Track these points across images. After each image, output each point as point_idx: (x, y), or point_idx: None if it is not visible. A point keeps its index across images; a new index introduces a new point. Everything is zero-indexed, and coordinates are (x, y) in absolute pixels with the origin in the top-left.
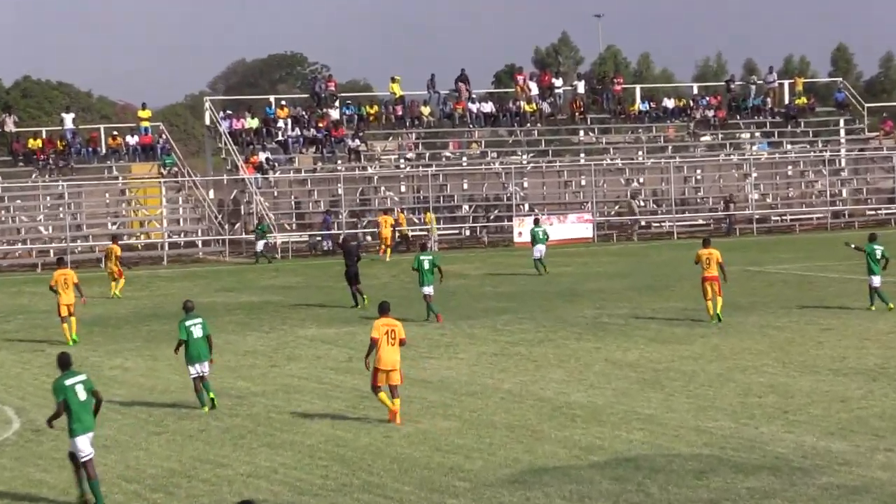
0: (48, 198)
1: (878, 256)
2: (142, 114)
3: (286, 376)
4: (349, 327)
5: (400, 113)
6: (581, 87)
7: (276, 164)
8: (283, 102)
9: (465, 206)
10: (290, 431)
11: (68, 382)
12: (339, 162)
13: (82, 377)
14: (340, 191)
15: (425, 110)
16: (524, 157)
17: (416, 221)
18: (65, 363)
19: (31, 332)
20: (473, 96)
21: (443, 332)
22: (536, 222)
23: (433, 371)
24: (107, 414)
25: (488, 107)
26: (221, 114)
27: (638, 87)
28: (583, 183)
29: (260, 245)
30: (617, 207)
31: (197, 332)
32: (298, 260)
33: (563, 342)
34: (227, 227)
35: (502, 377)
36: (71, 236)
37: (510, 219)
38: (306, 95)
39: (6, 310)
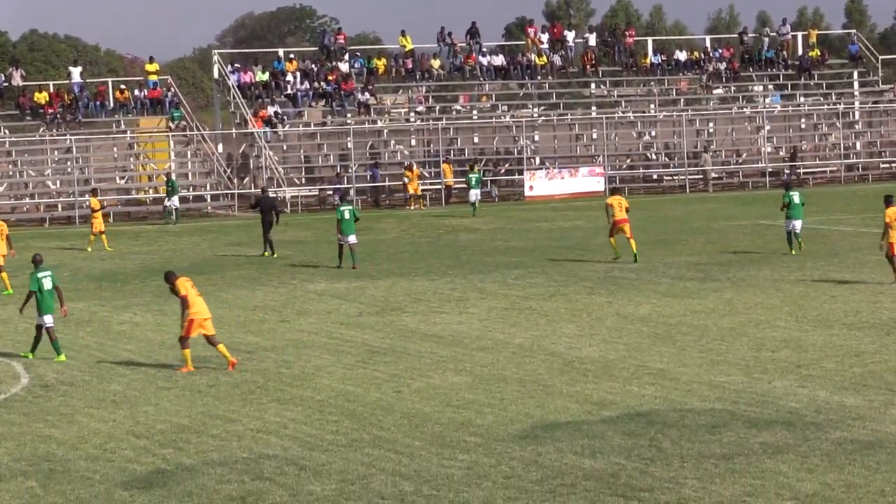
0: (56, 152)
1: (797, 202)
2: (149, 67)
3: (296, 331)
4: (359, 282)
5: (410, 66)
6: (592, 39)
7: (285, 118)
8: (292, 56)
9: (477, 159)
10: (299, 387)
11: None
12: (349, 115)
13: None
14: (350, 145)
15: (435, 63)
16: (535, 110)
17: (427, 175)
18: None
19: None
20: (484, 49)
21: (453, 287)
22: (471, 168)
23: (444, 326)
24: (116, 369)
25: (499, 60)
26: (230, 67)
27: (650, 40)
28: (594, 136)
29: (175, 201)
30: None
31: (47, 283)
32: (308, 214)
33: (574, 296)
34: (235, 181)
35: (513, 332)
36: (79, 191)
37: (521, 172)
38: (315, 49)
39: (13, 265)
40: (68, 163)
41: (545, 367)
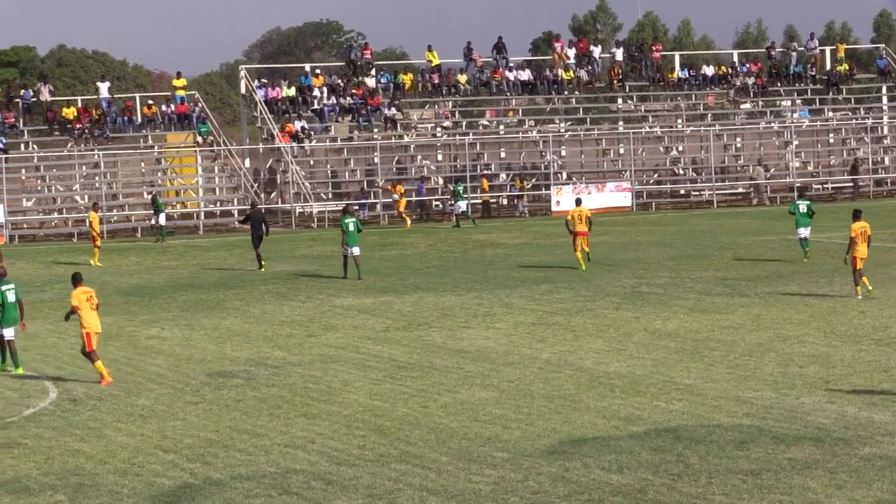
0: (84, 167)
1: (804, 210)
2: (177, 83)
3: (323, 346)
4: (386, 297)
5: (436, 81)
6: (619, 54)
7: (312, 133)
8: (319, 71)
9: (503, 175)
10: (326, 401)
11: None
12: (376, 130)
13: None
14: (377, 159)
15: (462, 78)
16: (562, 125)
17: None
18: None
19: (68, 301)
20: (511, 64)
21: (480, 302)
22: (456, 182)
23: (471, 341)
24: (143, 384)
25: (525, 75)
26: (257, 82)
27: (677, 55)
28: (621, 151)
29: (162, 219)
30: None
31: (10, 296)
32: (335, 229)
33: (601, 312)
34: (262, 196)
35: (540, 347)
36: (107, 206)
37: (548, 187)
38: (342, 64)
39: (42, 279)
40: (96, 178)
41: (572, 383)
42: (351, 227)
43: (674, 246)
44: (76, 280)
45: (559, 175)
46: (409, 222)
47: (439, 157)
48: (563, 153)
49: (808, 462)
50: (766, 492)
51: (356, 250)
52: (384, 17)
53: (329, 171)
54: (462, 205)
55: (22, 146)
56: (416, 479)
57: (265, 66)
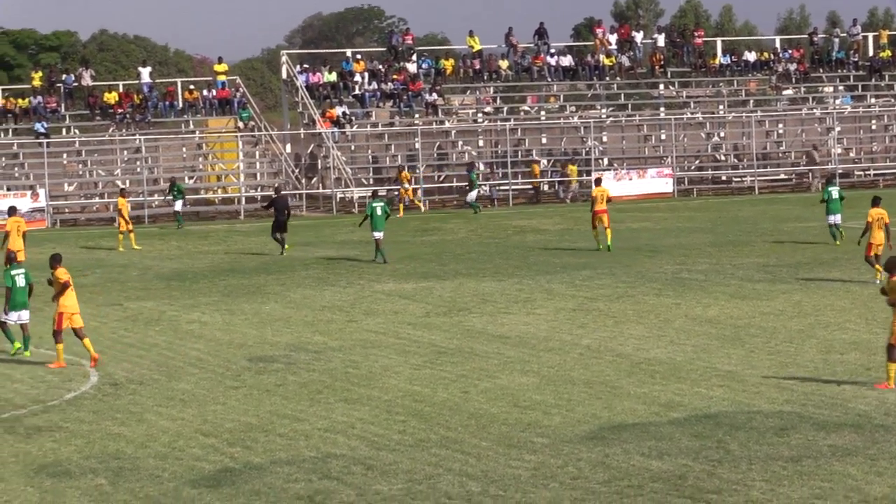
0: (125, 152)
1: (836, 197)
2: (218, 68)
3: (363, 331)
4: (427, 282)
5: (478, 67)
6: (661, 40)
7: (353, 118)
8: (360, 56)
9: (544, 161)
10: (367, 386)
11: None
12: (417, 116)
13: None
14: (418, 145)
15: (503, 64)
16: (603, 111)
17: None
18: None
19: (108, 286)
20: (552, 50)
21: (521, 288)
22: (471, 169)
23: (511, 326)
24: (184, 368)
25: (567, 60)
26: (298, 68)
27: (719, 40)
28: (662, 137)
29: (178, 205)
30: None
31: (20, 281)
32: None
33: (642, 298)
34: (303, 181)
35: (581, 333)
36: (148, 190)
37: (589, 173)
38: (383, 49)
39: (83, 264)
40: (137, 162)
41: (612, 369)
42: (378, 212)
43: (715, 232)
44: (57, 260)
45: (600, 161)
46: (422, 207)
47: (480, 143)
48: (605, 139)
49: (849, 449)
50: (807, 478)
51: (379, 234)
52: (426, 2)
53: (370, 157)
54: (473, 194)
55: (63, 131)
56: (456, 465)
57: (306, 51)
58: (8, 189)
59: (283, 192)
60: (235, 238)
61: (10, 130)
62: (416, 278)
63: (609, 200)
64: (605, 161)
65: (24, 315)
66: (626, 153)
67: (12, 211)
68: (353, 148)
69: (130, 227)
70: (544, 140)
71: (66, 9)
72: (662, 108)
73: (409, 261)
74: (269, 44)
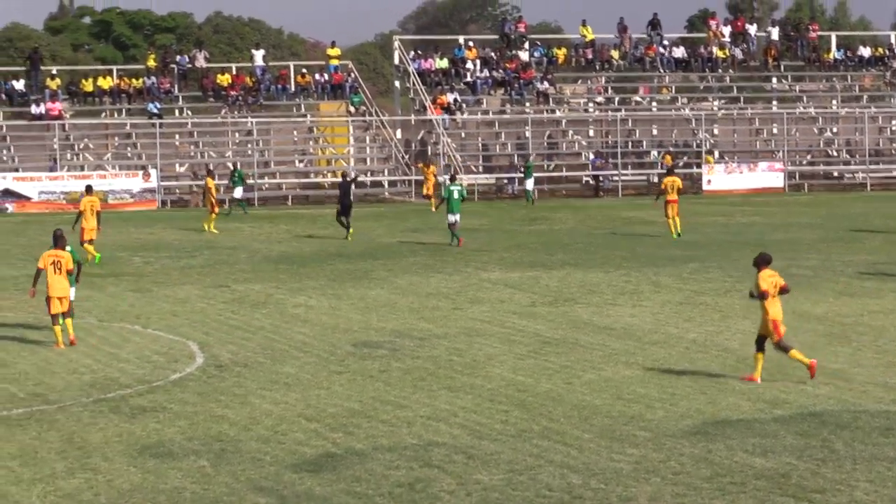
0: (237, 134)
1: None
2: (331, 52)
3: (468, 319)
4: (533, 272)
5: (590, 56)
6: (775, 33)
7: (464, 106)
8: (472, 43)
9: (654, 153)
10: (470, 375)
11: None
12: (528, 104)
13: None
14: (528, 134)
15: (615, 54)
16: (715, 103)
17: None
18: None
19: (217, 267)
20: (665, 41)
21: (627, 279)
22: (527, 159)
23: (617, 318)
24: (289, 352)
25: (680, 52)
26: (411, 54)
27: (833, 35)
28: (774, 131)
29: (238, 192)
30: None
31: None
32: (485, 202)
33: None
34: (413, 167)
35: (687, 326)
36: (258, 173)
37: (699, 166)
38: (496, 37)
39: (193, 245)
40: (248, 145)
41: (718, 363)
42: (455, 195)
43: (825, 228)
44: (55, 240)
45: (711, 153)
46: (434, 205)
47: (591, 133)
48: (716, 132)
49: None
50: None
51: (453, 217)
52: None
53: (480, 145)
54: (530, 182)
55: (176, 112)
56: (557, 456)
57: (419, 37)
58: (120, 169)
59: (347, 178)
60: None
61: (124, 110)
62: (523, 267)
63: (680, 190)
64: (716, 154)
65: (70, 293)
66: (737, 146)
67: (88, 190)
68: (463, 135)
69: (216, 210)
70: (655, 131)
71: None
72: (775, 102)
73: (516, 250)
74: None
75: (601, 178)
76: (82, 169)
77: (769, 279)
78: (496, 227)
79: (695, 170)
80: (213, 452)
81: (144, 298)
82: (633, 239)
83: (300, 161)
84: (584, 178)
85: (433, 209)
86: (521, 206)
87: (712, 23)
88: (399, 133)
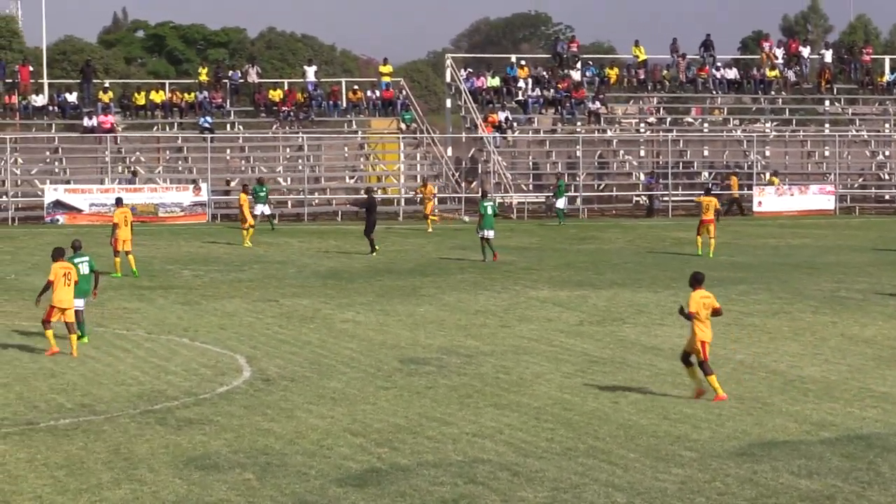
0: (288, 149)
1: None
2: (383, 69)
3: (516, 337)
4: (582, 290)
5: (642, 76)
6: (829, 56)
7: (515, 124)
8: (524, 62)
9: (705, 174)
10: (517, 393)
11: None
12: (579, 124)
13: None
14: (579, 153)
15: (667, 74)
16: (767, 125)
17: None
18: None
19: (265, 282)
20: (717, 62)
21: (676, 300)
22: (559, 178)
23: (664, 339)
24: (336, 367)
25: (732, 73)
26: (463, 72)
27: (888, 59)
28: (826, 154)
29: (260, 209)
30: None
31: (83, 269)
32: (534, 221)
33: (798, 315)
34: (463, 184)
35: (735, 347)
36: (309, 188)
37: (750, 187)
38: (548, 56)
39: (242, 259)
40: (299, 160)
41: (765, 385)
42: (489, 211)
43: (875, 252)
44: (57, 254)
45: (762, 175)
46: (430, 226)
47: (642, 153)
48: (767, 153)
49: None
50: None
51: (490, 233)
52: (593, 10)
53: (530, 163)
54: (561, 202)
55: (228, 126)
56: (602, 475)
57: (471, 55)
58: (170, 182)
59: (372, 196)
60: (393, 239)
61: (176, 124)
62: (572, 286)
63: (717, 211)
64: (767, 175)
65: (81, 303)
66: (788, 168)
67: (119, 202)
68: (514, 153)
69: (250, 223)
70: (706, 152)
71: (237, 6)
72: (827, 125)
73: (565, 268)
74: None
75: (654, 199)
76: (133, 182)
77: (700, 300)
78: (545, 245)
79: (745, 191)
80: (258, 465)
81: (193, 311)
82: (682, 259)
83: (350, 177)
84: (636, 199)
85: (429, 229)
86: (563, 226)
87: (765, 44)
88: (450, 151)
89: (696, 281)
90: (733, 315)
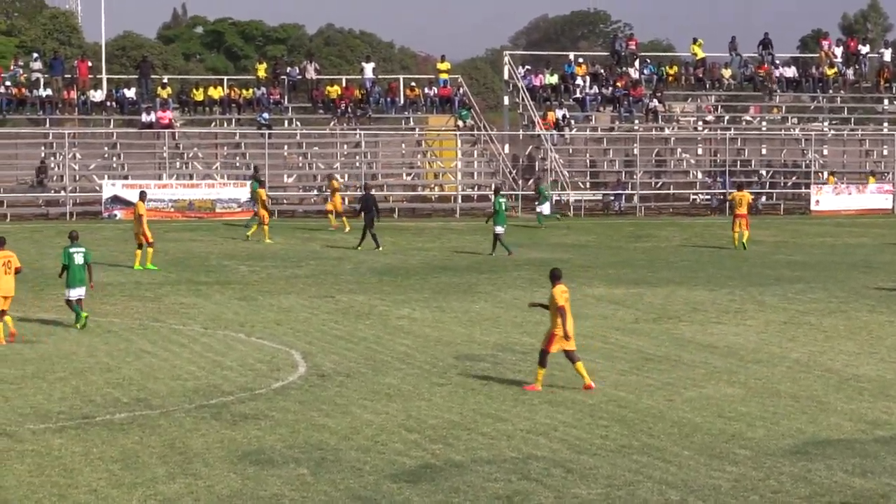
0: (345, 146)
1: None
2: (441, 66)
3: None
4: (637, 288)
5: (700, 74)
6: (888, 54)
7: (573, 122)
8: (583, 59)
9: (763, 172)
10: (571, 390)
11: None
12: (637, 122)
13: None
14: (636, 151)
15: (726, 73)
16: (826, 123)
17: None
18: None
19: (322, 278)
20: (776, 61)
21: (732, 298)
22: (539, 183)
23: (720, 336)
24: (391, 363)
25: (791, 71)
26: (521, 69)
27: None
28: (884, 153)
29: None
30: None
31: (78, 259)
32: (591, 219)
33: (854, 314)
34: (520, 182)
35: (790, 346)
36: (365, 185)
37: (808, 186)
38: (606, 53)
39: (299, 255)
40: (357, 157)
41: (820, 384)
42: (503, 207)
43: None
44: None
45: (820, 174)
46: (334, 221)
47: (699, 151)
48: (825, 152)
49: None
50: None
51: (499, 229)
52: (651, 8)
53: (588, 161)
54: (545, 207)
55: (285, 123)
56: (656, 472)
57: (529, 52)
58: (228, 178)
59: (371, 192)
60: (449, 236)
61: (234, 120)
62: (627, 284)
63: (750, 205)
64: (825, 174)
65: (81, 291)
66: (846, 167)
67: (143, 196)
68: (571, 151)
69: (267, 219)
70: (764, 151)
71: (296, 2)
72: (886, 124)
73: (621, 266)
74: (494, 44)
75: (710, 197)
76: (191, 178)
77: (563, 295)
78: (602, 243)
79: (803, 190)
80: (312, 461)
81: (249, 307)
82: (738, 258)
83: (408, 174)
84: (696, 197)
85: (332, 226)
86: (628, 223)
87: (825, 43)
88: (507, 148)
89: (555, 277)
90: (789, 313)
